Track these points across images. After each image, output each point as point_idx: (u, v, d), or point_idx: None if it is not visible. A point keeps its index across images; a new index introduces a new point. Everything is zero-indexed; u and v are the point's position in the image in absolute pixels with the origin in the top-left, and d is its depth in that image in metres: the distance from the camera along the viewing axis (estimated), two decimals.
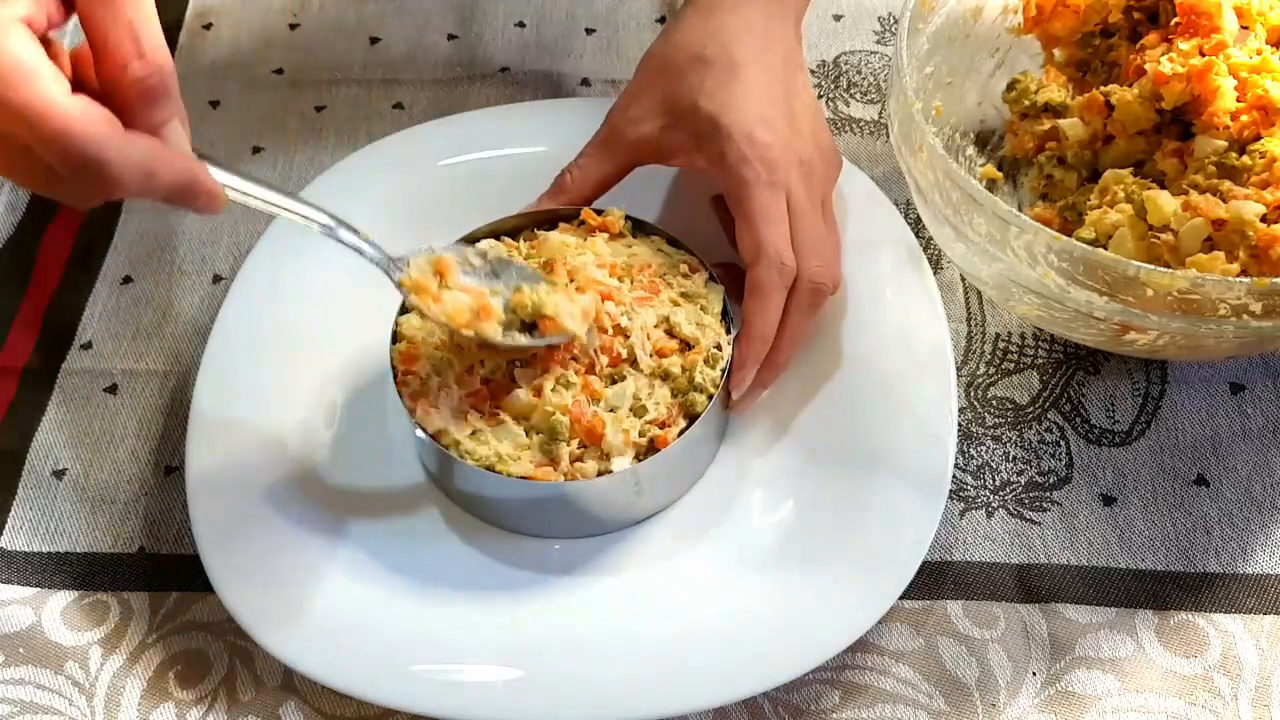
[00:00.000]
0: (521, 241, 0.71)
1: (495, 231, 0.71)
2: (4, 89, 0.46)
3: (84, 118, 0.47)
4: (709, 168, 0.70)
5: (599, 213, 0.71)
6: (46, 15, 0.49)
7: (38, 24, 0.49)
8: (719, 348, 0.68)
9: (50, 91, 0.47)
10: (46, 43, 0.49)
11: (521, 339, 0.65)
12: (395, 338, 0.68)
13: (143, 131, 0.50)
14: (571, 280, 0.67)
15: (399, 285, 0.64)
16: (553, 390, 0.65)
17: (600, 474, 0.64)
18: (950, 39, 0.78)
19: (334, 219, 0.61)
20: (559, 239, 0.70)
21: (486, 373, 0.66)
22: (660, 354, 0.67)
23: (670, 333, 0.68)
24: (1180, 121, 0.71)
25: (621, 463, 0.64)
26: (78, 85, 0.49)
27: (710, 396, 0.66)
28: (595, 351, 0.67)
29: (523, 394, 0.65)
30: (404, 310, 0.69)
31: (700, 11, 0.72)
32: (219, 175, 0.54)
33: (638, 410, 0.65)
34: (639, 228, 0.72)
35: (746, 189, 0.67)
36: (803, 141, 0.70)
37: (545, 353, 0.66)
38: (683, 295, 0.69)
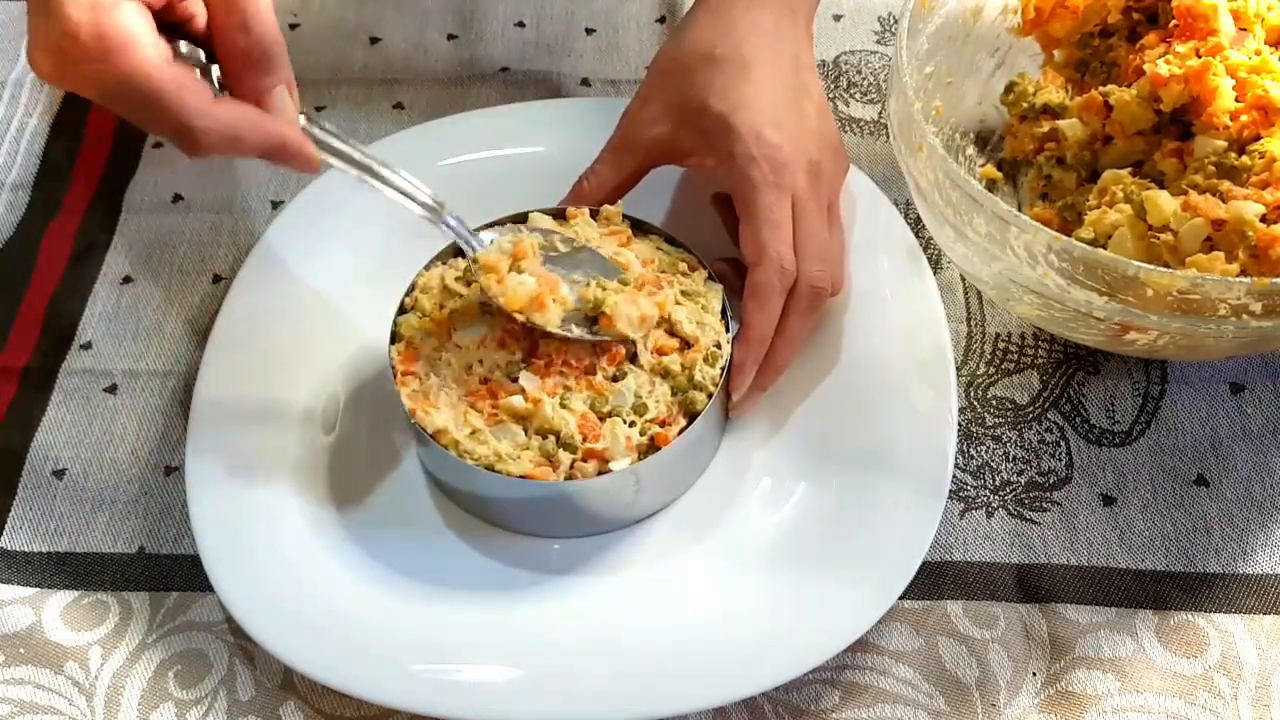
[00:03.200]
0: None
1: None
2: (110, 55, 0.53)
3: (175, 87, 0.54)
4: (717, 167, 0.70)
5: (594, 214, 0.72)
6: None
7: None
8: (718, 346, 0.68)
9: (148, 61, 0.54)
10: (170, 10, 0.57)
11: (578, 331, 0.66)
12: (395, 338, 0.68)
13: (247, 96, 0.57)
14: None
15: (474, 260, 0.67)
16: (553, 396, 0.65)
17: (600, 473, 0.64)
18: (950, 39, 0.78)
19: (434, 200, 0.65)
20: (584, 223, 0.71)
21: (485, 372, 0.67)
22: (660, 352, 0.67)
23: (670, 331, 0.68)
24: (1180, 122, 0.71)
25: (621, 462, 0.64)
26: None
27: (710, 395, 0.66)
28: (597, 350, 0.67)
29: (519, 400, 0.65)
30: (403, 310, 0.69)
31: (710, 12, 0.72)
32: (321, 138, 0.61)
33: (638, 409, 0.66)
34: (638, 227, 0.72)
35: (753, 190, 0.67)
36: (811, 141, 0.70)
37: (548, 354, 0.66)
38: (682, 293, 0.69)
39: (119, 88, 0.54)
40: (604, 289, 0.67)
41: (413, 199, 0.65)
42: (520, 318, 0.66)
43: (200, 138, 0.55)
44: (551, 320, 0.66)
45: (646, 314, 0.67)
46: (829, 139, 0.72)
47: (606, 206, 0.72)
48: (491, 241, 0.68)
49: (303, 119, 0.60)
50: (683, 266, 0.71)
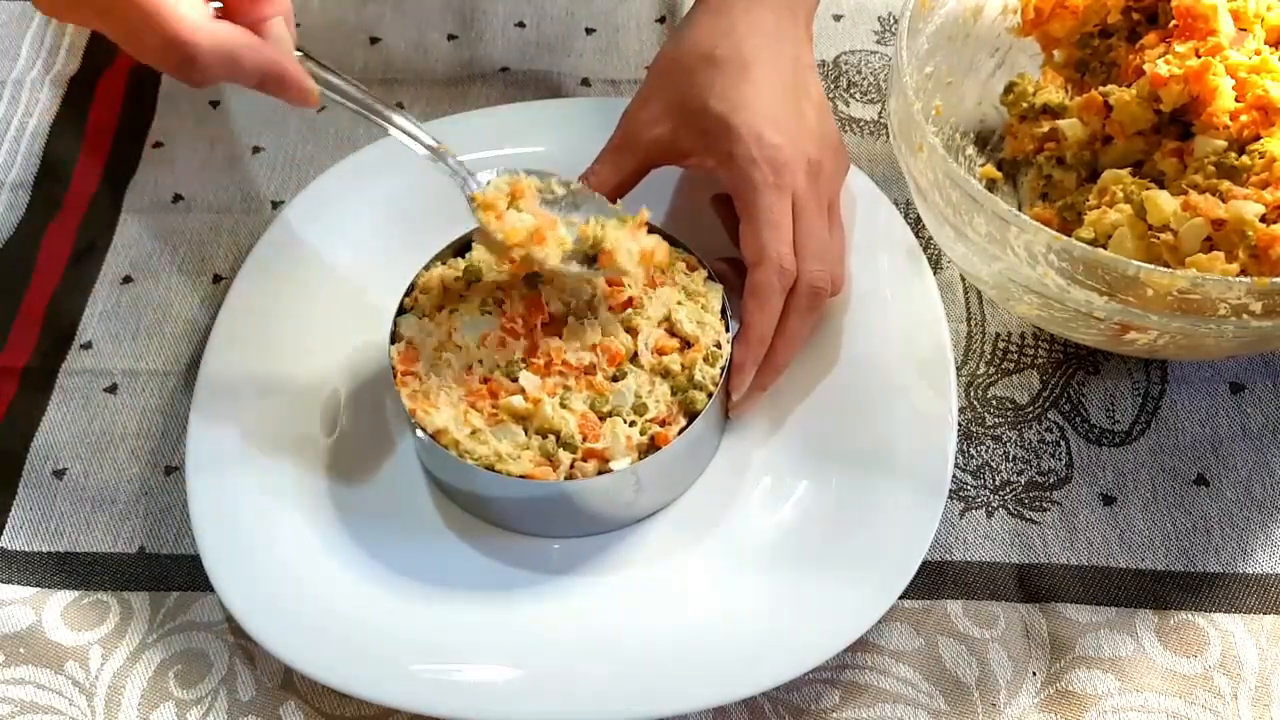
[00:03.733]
0: None
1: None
2: None
3: (174, 4, 0.54)
4: (718, 168, 0.70)
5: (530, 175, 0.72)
6: None
7: None
8: (718, 345, 0.68)
9: None
10: None
11: (578, 269, 0.66)
12: (395, 338, 0.68)
13: (245, 25, 0.57)
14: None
15: (470, 199, 0.67)
16: (553, 396, 0.65)
17: (600, 473, 0.64)
18: (950, 39, 0.78)
19: (433, 140, 0.66)
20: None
21: (485, 372, 0.67)
22: (660, 351, 0.67)
23: (670, 330, 0.68)
24: (1180, 121, 0.71)
25: (621, 462, 0.64)
26: None
27: (710, 394, 0.66)
28: (597, 350, 0.67)
29: (519, 400, 0.65)
30: (403, 310, 0.69)
31: (710, 12, 0.72)
32: (319, 74, 0.61)
33: (638, 409, 0.66)
34: None
35: (753, 191, 0.68)
36: (811, 142, 0.70)
37: (547, 353, 0.66)
38: (682, 292, 0.69)
39: (117, 3, 0.54)
40: (603, 226, 0.67)
41: (416, 139, 0.66)
42: (519, 253, 0.66)
43: (196, 54, 0.54)
44: (551, 256, 0.66)
45: (646, 248, 0.67)
46: (829, 139, 0.72)
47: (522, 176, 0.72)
48: (489, 183, 0.68)
49: (298, 54, 0.60)
50: (682, 266, 0.71)
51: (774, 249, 0.67)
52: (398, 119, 0.66)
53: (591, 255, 0.67)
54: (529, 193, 0.68)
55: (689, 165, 0.74)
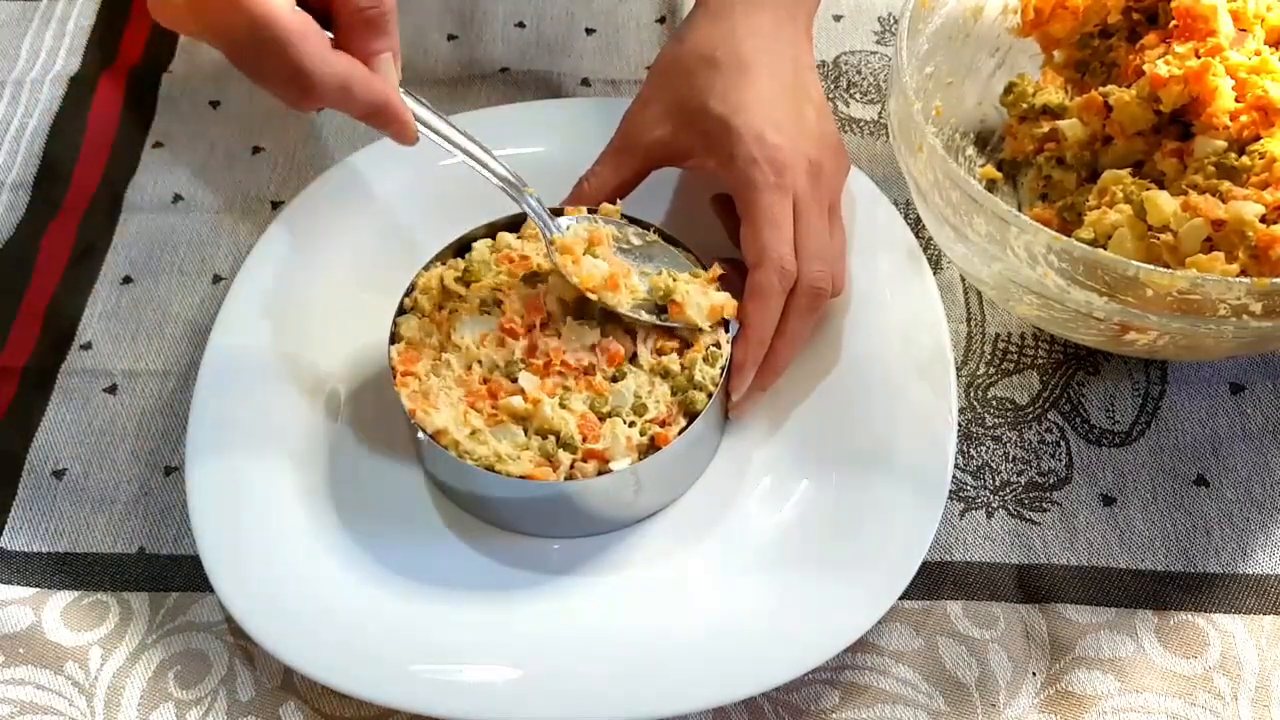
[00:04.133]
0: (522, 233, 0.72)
1: (493, 229, 0.72)
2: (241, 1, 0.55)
3: (300, 33, 0.57)
4: (718, 169, 0.70)
5: (592, 211, 0.72)
6: None
7: None
8: (718, 346, 0.68)
9: (277, 5, 0.56)
10: None
11: (647, 318, 0.68)
12: (395, 338, 0.68)
13: (357, 57, 0.60)
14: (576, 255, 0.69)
15: (550, 243, 0.68)
16: (553, 396, 0.65)
17: (600, 473, 0.64)
18: (950, 39, 0.78)
19: (517, 179, 0.68)
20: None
21: (485, 372, 0.67)
22: (660, 352, 0.68)
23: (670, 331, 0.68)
24: (1179, 122, 0.71)
25: (621, 462, 0.64)
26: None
27: (710, 395, 0.66)
28: (597, 350, 0.67)
29: (518, 401, 0.65)
30: (403, 310, 0.69)
31: (710, 15, 0.73)
32: (420, 113, 0.64)
33: (638, 409, 0.66)
34: (637, 226, 0.72)
35: (754, 191, 0.68)
36: (812, 143, 0.70)
37: (546, 354, 0.66)
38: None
39: (246, 31, 0.56)
40: (674, 279, 0.68)
41: (505, 180, 0.68)
42: (593, 297, 0.67)
43: (315, 84, 0.57)
44: (623, 303, 0.67)
45: (716, 304, 0.68)
46: (829, 140, 0.72)
47: (605, 205, 0.72)
48: (568, 227, 0.69)
49: (402, 91, 0.63)
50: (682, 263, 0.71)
51: (775, 250, 0.67)
52: (490, 161, 0.68)
53: (662, 305, 0.68)
54: (606, 240, 0.70)
55: (690, 167, 0.74)
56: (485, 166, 0.68)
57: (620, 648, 0.64)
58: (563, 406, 0.65)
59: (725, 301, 0.68)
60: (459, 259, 0.71)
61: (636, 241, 0.71)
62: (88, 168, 0.86)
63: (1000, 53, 0.81)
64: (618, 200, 0.73)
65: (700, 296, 0.68)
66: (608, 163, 0.73)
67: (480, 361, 0.67)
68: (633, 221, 0.72)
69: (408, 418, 0.65)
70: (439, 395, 0.66)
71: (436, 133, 0.66)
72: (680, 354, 0.67)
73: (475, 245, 0.71)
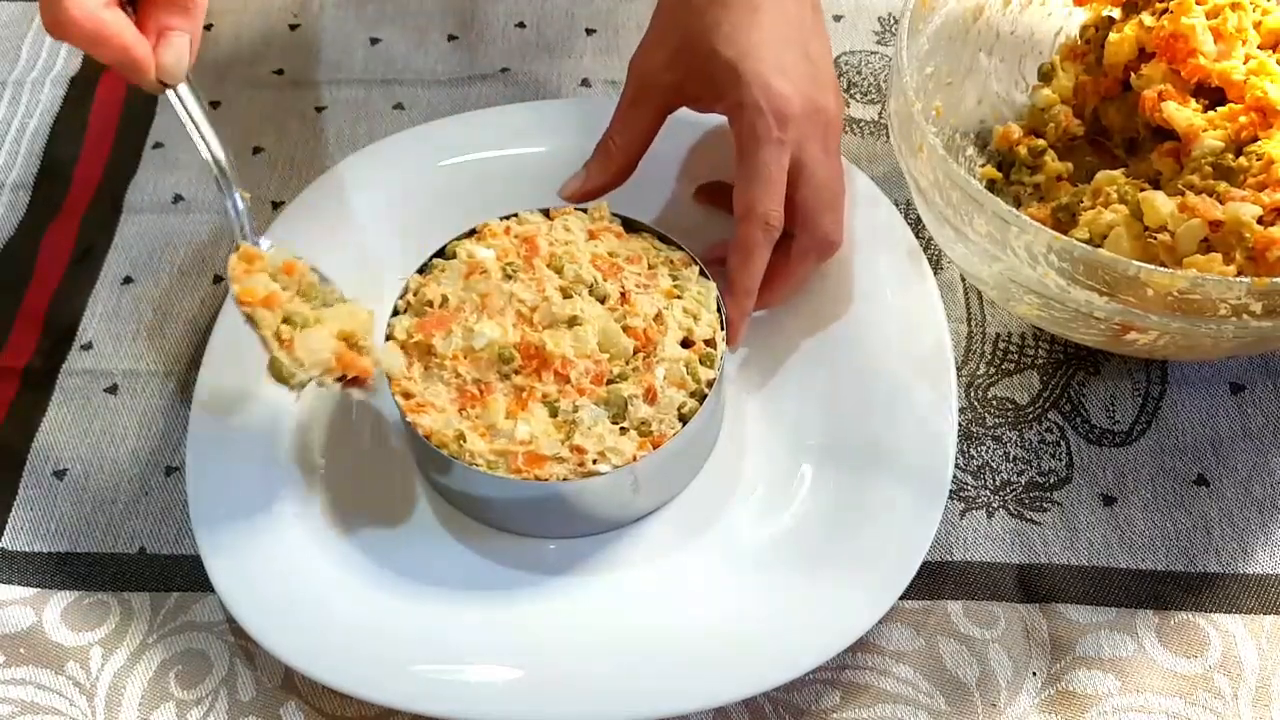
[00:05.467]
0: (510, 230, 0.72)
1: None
2: None
3: None
4: (726, 114, 0.70)
5: (584, 210, 0.72)
6: None
7: None
8: (712, 345, 0.68)
9: None
10: None
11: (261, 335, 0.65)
12: (389, 339, 0.68)
13: (152, 28, 0.63)
14: (553, 268, 0.69)
15: (235, 246, 0.67)
16: (547, 397, 0.65)
17: (596, 474, 0.64)
18: (950, 39, 0.78)
19: (231, 172, 0.67)
20: (539, 221, 0.71)
21: (479, 374, 0.66)
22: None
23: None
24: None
25: (618, 462, 0.64)
26: None
27: (704, 395, 0.66)
28: (594, 350, 0.67)
29: (513, 402, 0.65)
30: (397, 312, 0.69)
31: None
32: (185, 97, 0.66)
33: (634, 408, 0.65)
34: (629, 225, 0.72)
35: (754, 143, 0.68)
36: (820, 89, 0.70)
37: (542, 355, 0.66)
38: (674, 285, 0.69)
39: None
40: (307, 320, 0.65)
41: (220, 169, 0.67)
42: (245, 310, 0.65)
43: (68, 19, 0.60)
44: (266, 322, 0.64)
45: (328, 355, 0.64)
46: (832, 81, 0.72)
47: (595, 203, 0.72)
48: (269, 246, 0.68)
49: (187, 84, 0.65)
50: (675, 263, 0.71)
51: (762, 205, 0.67)
52: (216, 151, 0.67)
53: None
54: (301, 271, 0.67)
55: (698, 110, 0.74)
56: (213, 156, 0.67)
57: (620, 647, 0.64)
58: (559, 406, 0.65)
59: (348, 355, 0.65)
60: (454, 260, 0.71)
61: (323, 291, 0.68)
62: (88, 168, 0.86)
63: (1001, 52, 0.81)
64: (642, 155, 0.73)
65: (316, 339, 0.64)
66: (626, 115, 0.73)
67: (474, 363, 0.66)
68: (627, 223, 0.72)
69: (403, 418, 0.65)
70: (433, 396, 0.66)
71: (183, 103, 0.66)
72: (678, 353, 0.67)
73: (475, 244, 0.71)
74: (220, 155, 0.67)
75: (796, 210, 0.69)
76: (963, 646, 0.66)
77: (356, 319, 0.66)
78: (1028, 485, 0.71)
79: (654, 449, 0.64)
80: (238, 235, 0.68)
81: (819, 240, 0.69)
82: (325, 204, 0.79)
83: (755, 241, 0.67)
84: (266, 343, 0.64)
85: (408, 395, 0.66)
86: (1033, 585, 0.68)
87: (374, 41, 0.94)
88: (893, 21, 0.93)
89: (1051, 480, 0.71)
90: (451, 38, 0.94)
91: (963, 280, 0.79)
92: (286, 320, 0.65)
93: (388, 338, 0.68)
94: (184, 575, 0.69)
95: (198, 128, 0.67)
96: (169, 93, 0.65)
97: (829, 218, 0.69)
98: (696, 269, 0.71)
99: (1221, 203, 0.66)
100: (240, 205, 0.68)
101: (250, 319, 0.65)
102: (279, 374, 0.63)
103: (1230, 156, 0.68)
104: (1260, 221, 0.65)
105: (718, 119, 0.72)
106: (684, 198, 0.78)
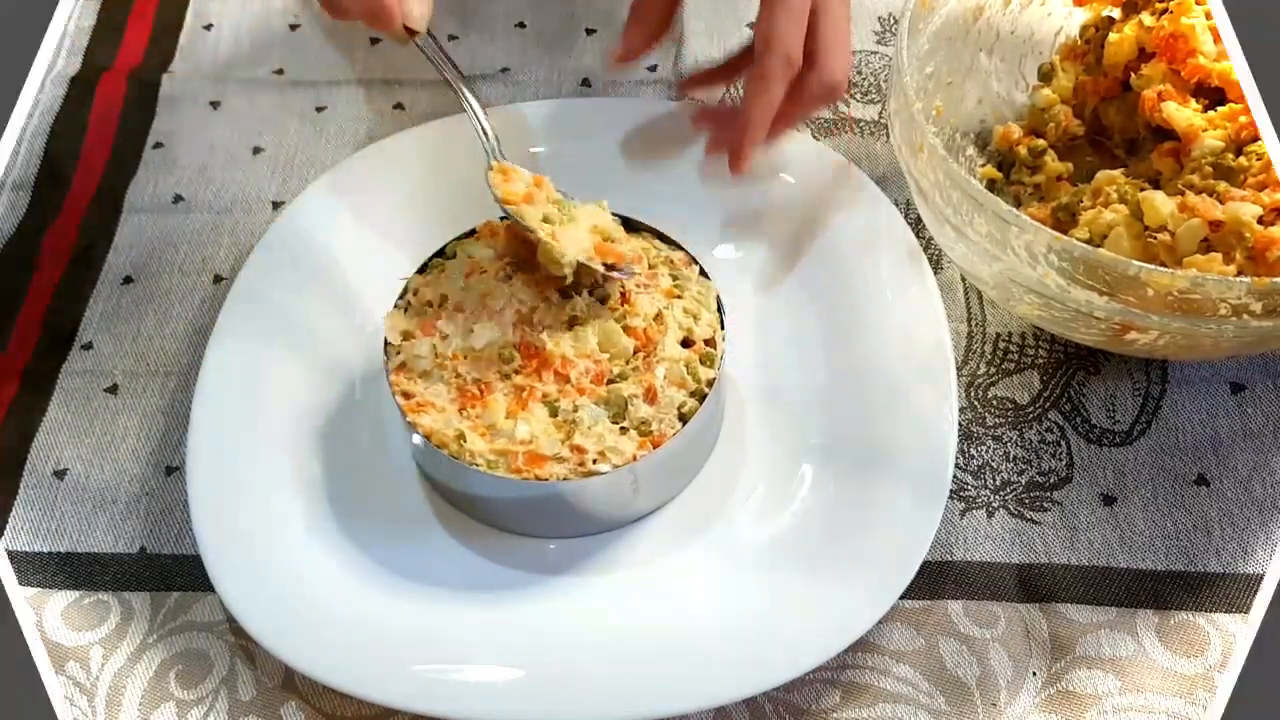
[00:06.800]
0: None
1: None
2: None
3: None
4: None
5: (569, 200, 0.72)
6: None
7: None
8: (712, 344, 0.68)
9: None
10: None
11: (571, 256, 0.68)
12: (389, 338, 0.68)
13: None
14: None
15: (490, 164, 0.71)
16: (548, 397, 0.65)
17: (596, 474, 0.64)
18: (950, 39, 0.78)
19: (492, 130, 0.73)
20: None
21: (479, 374, 0.66)
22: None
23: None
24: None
25: (617, 462, 0.64)
26: None
27: (705, 395, 0.66)
28: (594, 350, 0.67)
29: (513, 401, 0.65)
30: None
31: None
32: (427, 44, 0.72)
33: (634, 408, 0.65)
34: (629, 225, 0.72)
35: None
36: None
37: (542, 354, 0.66)
38: (674, 285, 0.69)
39: None
40: (563, 220, 0.69)
41: (477, 119, 0.72)
42: (511, 209, 0.69)
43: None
44: (530, 215, 0.68)
45: (589, 244, 0.68)
46: None
47: (595, 202, 0.72)
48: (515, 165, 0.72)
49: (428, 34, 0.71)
50: (676, 262, 0.71)
51: (781, 38, 0.68)
52: (472, 101, 0.73)
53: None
54: (547, 187, 0.71)
55: None
56: (470, 106, 0.72)
57: (620, 648, 0.64)
58: (559, 406, 0.65)
59: (590, 245, 0.68)
60: (454, 260, 0.71)
61: (567, 205, 0.71)
62: (88, 168, 0.86)
63: (1001, 51, 0.81)
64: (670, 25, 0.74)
65: (580, 233, 0.68)
66: None
67: (475, 363, 0.66)
68: (627, 222, 0.72)
69: (403, 418, 0.65)
70: (433, 396, 0.66)
71: (429, 47, 0.72)
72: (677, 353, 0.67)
73: (474, 244, 0.71)
74: (471, 98, 0.73)
75: (809, 50, 0.70)
76: (963, 646, 0.66)
77: (603, 218, 0.71)
78: (1028, 485, 0.71)
79: (654, 449, 0.64)
80: (490, 157, 0.72)
81: (827, 81, 0.70)
82: (325, 204, 0.79)
83: (774, 74, 0.68)
84: (536, 231, 0.68)
85: (408, 395, 0.66)
86: (1033, 585, 0.68)
87: (374, 41, 0.94)
88: (893, 21, 0.93)
89: (1052, 480, 0.71)
90: (452, 38, 0.94)
91: (963, 280, 0.79)
92: (545, 220, 0.69)
93: (388, 338, 0.68)
94: (184, 575, 0.69)
95: (449, 68, 0.72)
96: (416, 39, 0.70)
97: (840, 60, 0.70)
98: (696, 269, 0.71)
99: (1221, 203, 0.66)
100: (490, 132, 0.72)
101: (517, 215, 0.69)
102: (550, 258, 0.67)
103: (1230, 156, 0.68)
104: (1260, 221, 0.65)
105: None
106: (681, 194, 0.77)
